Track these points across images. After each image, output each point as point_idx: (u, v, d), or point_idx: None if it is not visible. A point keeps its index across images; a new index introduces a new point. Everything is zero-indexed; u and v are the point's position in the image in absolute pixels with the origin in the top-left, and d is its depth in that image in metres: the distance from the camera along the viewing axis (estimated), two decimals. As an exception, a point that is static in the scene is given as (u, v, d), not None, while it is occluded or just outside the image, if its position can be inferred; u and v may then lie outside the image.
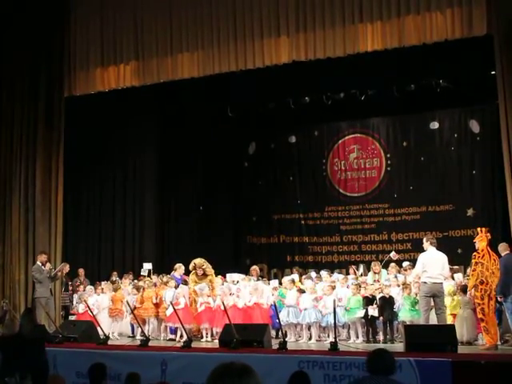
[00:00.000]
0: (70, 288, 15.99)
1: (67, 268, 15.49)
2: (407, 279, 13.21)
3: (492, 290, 11.13)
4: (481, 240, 11.38)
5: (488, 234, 11.44)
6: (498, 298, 11.34)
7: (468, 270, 13.78)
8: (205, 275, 13.92)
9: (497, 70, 12.41)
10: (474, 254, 11.39)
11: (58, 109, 15.82)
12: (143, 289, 14.18)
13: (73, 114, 16.14)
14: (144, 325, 13.49)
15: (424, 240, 12.22)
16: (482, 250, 11.26)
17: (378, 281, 13.67)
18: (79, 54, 15.63)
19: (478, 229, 11.77)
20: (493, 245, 11.55)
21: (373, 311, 12.33)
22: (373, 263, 15.15)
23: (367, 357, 5.62)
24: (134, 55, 15.04)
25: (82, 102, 16.13)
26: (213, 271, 14.08)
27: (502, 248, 11.58)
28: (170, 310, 12.82)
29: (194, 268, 13.96)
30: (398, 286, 12.81)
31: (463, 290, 12.32)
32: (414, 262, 15.89)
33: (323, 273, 14.57)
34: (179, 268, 14.80)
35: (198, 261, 14.00)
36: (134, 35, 15.06)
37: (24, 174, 15.86)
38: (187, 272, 14.59)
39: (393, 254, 15.45)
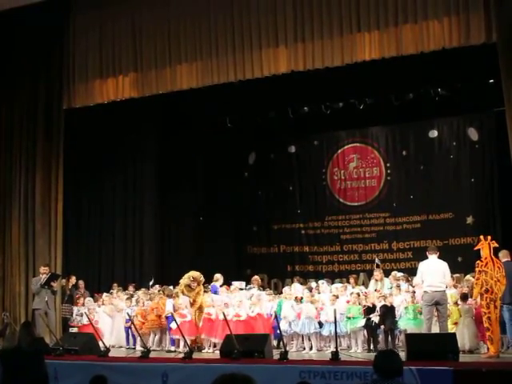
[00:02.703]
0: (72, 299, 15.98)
1: (73, 280, 15.55)
2: (409, 288, 13.23)
3: (497, 299, 11.11)
4: (483, 248, 11.37)
5: (493, 242, 11.42)
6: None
7: (466, 278, 13.81)
8: (198, 285, 13.86)
9: (502, 76, 12.35)
10: (478, 262, 11.36)
11: (58, 121, 15.84)
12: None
13: (72, 127, 16.17)
14: (149, 336, 13.56)
15: (427, 250, 12.28)
16: (486, 258, 11.21)
17: (378, 290, 13.64)
18: (78, 66, 15.65)
19: (481, 237, 11.75)
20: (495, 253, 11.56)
21: (375, 318, 12.33)
22: (375, 270, 15.17)
23: (375, 357, 5.57)
24: (133, 67, 15.06)
25: (82, 114, 16.17)
26: (202, 281, 14.04)
27: (502, 255, 11.58)
28: (174, 323, 12.87)
29: (193, 281, 13.81)
30: (408, 292, 12.77)
31: (463, 298, 12.30)
32: (415, 270, 16.00)
33: (322, 282, 14.55)
34: (221, 278, 14.86)
35: (197, 274, 13.88)
36: (133, 47, 15.08)
37: (24, 186, 15.89)
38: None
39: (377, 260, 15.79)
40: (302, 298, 13.56)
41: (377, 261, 16.22)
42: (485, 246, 11.36)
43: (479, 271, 11.22)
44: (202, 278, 13.87)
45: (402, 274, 14.87)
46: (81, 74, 15.62)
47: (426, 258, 12.25)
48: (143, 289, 15.42)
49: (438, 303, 11.60)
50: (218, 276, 14.86)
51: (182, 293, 13.71)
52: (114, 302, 14.95)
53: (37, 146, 15.89)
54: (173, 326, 13.00)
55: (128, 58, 15.12)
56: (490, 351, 11.05)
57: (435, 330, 11.89)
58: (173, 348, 13.26)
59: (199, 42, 14.47)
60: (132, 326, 13.60)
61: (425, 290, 11.75)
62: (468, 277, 13.78)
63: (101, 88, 15.44)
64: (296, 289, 14.07)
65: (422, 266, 11.99)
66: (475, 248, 11.80)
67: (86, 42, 15.62)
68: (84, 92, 15.64)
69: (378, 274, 14.60)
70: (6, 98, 16.27)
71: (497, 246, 11.48)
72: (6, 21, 15.90)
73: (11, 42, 16.13)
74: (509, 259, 11.50)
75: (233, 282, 14.78)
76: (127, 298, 14.90)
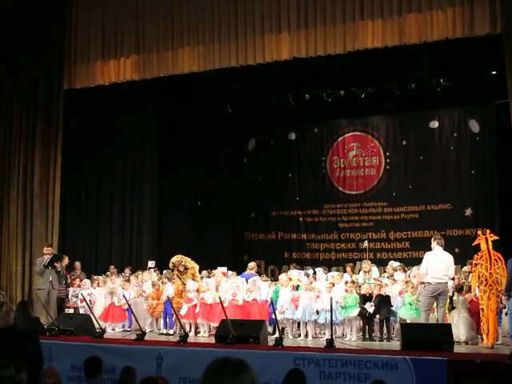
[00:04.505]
0: (69, 281, 15.99)
1: (66, 261, 15.51)
2: (406, 277, 13.26)
3: (493, 290, 11.17)
4: (481, 242, 11.44)
5: (491, 235, 11.45)
6: (503, 298, 11.37)
7: (463, 269, 13.85)
8: (186, 269, 13.94)
9: (506, 68, 12.30)
10: (474, 255, 11.49)
11: (58, 101, 15.81)
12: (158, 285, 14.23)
13: (72, 107, 16.12)
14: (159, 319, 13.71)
15: (432, 239, 12.25)
16: (482, 251, 11.33)
17: (376, 279, 13.67)
18: (80, 46, 15.60)
19: (479, 232, 11.80)
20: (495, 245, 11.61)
21: (370, 307, 12.34)
22: (363, 261, 15.19)
23: None
24: (135, 49, 15.01)
25: (82, 95, 16.12)
26: (194, 264, 14.07)
27: None
28: (186, 307, 12.88)
29: (174, 267, 13.95)
30: (406, 282, 12.78)
31: (458, 289, 12.32)
32: (412, 260, 16.04)
33: (319, 270, 14.55)
34: (255, 266, 14.99)
35: (176, 259, 13.97)
36: (135, 29, 15.03)
37: (22, 165, 15.87)
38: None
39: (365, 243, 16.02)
40: (298, 286, 13.57)
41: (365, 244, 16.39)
42: (482, 240, 11.43)
43: (474, 264, 11.40)
44: (185, 262, 13.91)
45: (398, 263, 14.89)
46: (82, 55, 15.57)
47: (424, 248, 12.26)
48: (139, 271, 15.45)
49: (440, 294, 11.62)
50: (252, 264, 14.98)
51: (178, 277, 13.77)
52: (108, 285, 14.91)
53: (36, 126, 15.85)
54: (182, 311, 13.02)
55: (130, 40, 15.08)
56: (483, 341, 11.16)
57: (432, 320, 11.93)
58: (169, 331, 13.27)
59: (202, 26, 14.42)
60: (130, 309, 13.58)
61: (428, 282, 11.74)
62: (464, 268, 13.83)
63: (102, 69, 15.39)
64: (293, 275, 14.08)
65: (428, 257, 11.95)
66: (473, 244, 11.85)
67: (88, 23, 15.57)
68: (85, 73, 15.59)
69: (366, 265, 14.63)
70: (6, 77, 16.20)
71: (497, 238, 11.53)
72: (8, 1, 15.81)
73: (12, 22, 16.04)
74: None
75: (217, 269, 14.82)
76: (126, 280, 14.88)
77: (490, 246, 11.40)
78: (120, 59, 15.20)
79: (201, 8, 14.45)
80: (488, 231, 11.63)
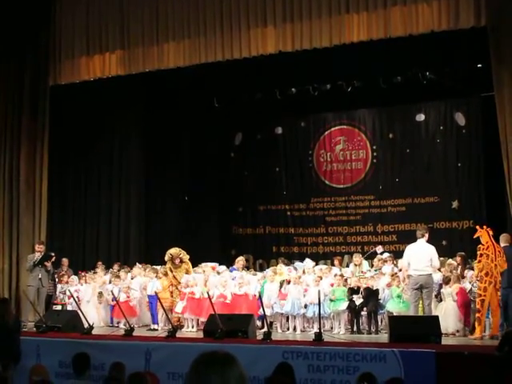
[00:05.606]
0: (56, 277, 15.94)
1: (53, 258, 15.47)
2: (394, 269, 13.28)
3: (497, 282, 11.25)
4: (482, 235, 11.51)
5: (489, 229, 11.52)
6: None
7: (448, 262, 13.89)
8: (181, 263, 13.94)
9: (491, 60, 12.32)
10: (479, 246, 11.51)
11: (43, 98, 15.73)
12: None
13: (58, 104, 16.05)
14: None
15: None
16: (487, 242, 11.40)
17: (364, 272, 13.69)
18: (64, 42, 15.53)
19: (477, 226, 11.86)
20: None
21: (358, 299, 12.37)
22: (354, 255, 15.21)
23: None
24: (120, 44, 14.95)
25: (68, 92, 16.04)
26: (187, 258, 14.07)
27: (503, 239, 11.65)
28: (181, 304, 12.89)
29: (171, 259, 13.93)
30: (392, 276, 12.80)
31: (446, 281, 12.36)
32: (399, 253, 16.05)
33: (304, 265, 14.54)
34: (241, 261, 14.96)
35: (174, 251, 13.97)
36: (120, 24, 14.96)
37: (8, 163, 15.77)
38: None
39: (378, 248, 15.61)
40: (289, 281, 13.56)
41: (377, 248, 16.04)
42: (483, 233, 11.49)
43: (480, 254, 11.38)
44: (183, 255, 13.91)
45: (388, 254, 14.90)
46: (67, 51, 15.49)
47: (411, 240, 12.28)
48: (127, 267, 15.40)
49: (422, 287, 11.64)
50: (239, 259, 14.97)
51: (170, 270, 13.76)
52: (94, 281, 14.84)
53: (22, 123, 15.76)
54: (178, 308, 13.01)
55: (115, 35, 15.01)
56: (475, 332, 11.19)
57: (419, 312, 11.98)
58: (154, 327, 13.25)
59: (187, 21, 14.38)
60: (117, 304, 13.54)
61: (410, 274, 11.78)
62: (450, 261, 13.85)
63: (87, 65, 15.33)
64: (283, 270, 14.08)
65: (409, 250, 12.00)
66: (475, 236, 11.89)
67: (72, 18, 15.48)
68: (70, 69, 15.53)
69: (357, 259, 14.65)
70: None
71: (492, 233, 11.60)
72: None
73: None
74: (508, 244, 11.56)
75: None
76: (116, 277, 14.81)
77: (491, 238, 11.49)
78: (105, 54, 15.14)
79: (186, 2, 14.41)
80: (485, 226, 11.69)
